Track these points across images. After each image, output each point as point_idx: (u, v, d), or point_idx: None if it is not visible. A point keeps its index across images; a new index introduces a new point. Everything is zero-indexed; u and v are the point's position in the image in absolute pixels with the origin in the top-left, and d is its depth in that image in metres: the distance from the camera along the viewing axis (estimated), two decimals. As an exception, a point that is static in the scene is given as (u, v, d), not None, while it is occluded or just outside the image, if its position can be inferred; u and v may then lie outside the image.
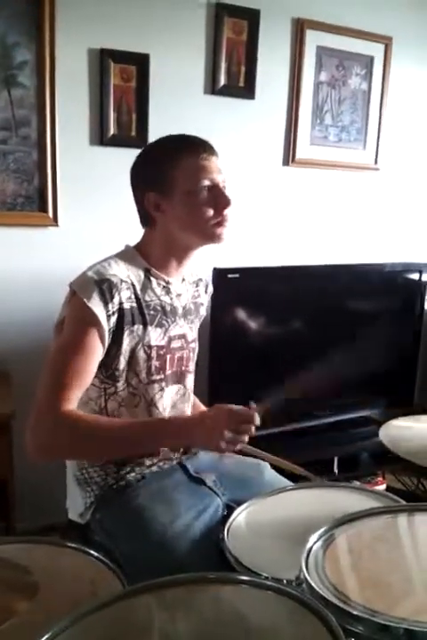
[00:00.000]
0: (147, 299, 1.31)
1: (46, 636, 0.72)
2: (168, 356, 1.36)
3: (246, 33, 2.33)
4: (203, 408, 1.61)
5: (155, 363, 1.32)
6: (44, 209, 2.12)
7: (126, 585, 0.89)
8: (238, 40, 2.33)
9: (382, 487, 2.44)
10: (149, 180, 1.31)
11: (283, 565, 0.96)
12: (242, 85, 2.38)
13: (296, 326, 2.36)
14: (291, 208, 2.59)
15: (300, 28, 2.42)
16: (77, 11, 2.05)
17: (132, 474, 1.33)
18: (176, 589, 0.82)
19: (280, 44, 2.43)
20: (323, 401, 2.46)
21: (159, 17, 2.19)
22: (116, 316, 1.23)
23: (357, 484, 1.49)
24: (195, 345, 1.48)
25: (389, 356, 2.62)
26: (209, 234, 1.30)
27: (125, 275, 1.27)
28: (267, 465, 1.48)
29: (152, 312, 1.31)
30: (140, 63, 2.17)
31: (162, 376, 1.35)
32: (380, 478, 2.50)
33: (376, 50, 2.60)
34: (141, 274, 1.32)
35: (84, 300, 1.19)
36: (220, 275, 2.04)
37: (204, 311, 1.56)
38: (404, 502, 1.13)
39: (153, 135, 1.73)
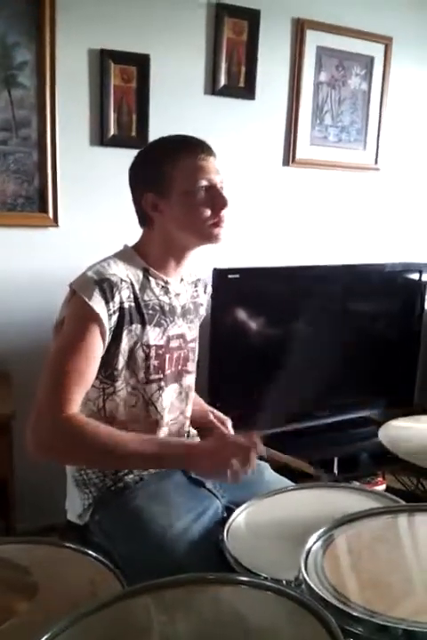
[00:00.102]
0: (145, 298, 1.31)
1: (46, 637, 0.72)
2: (167, 356, 1.36)
3: (247, 33, 2.33)
4: (206, 407, 1.62)
5: (153, 362, 1.32)
6: (44, 209, 2.12)
7: (126, 586, 0.89)
8: (239, 40, 2.33)
9: (382, 487, 2.44)
10: (147, 181, 1.31)
11: (282, 566, 0.96)
12: (242, 86, 2.38)
13: (296, 326, 2.36)
14: (291, 208, 2.59)
15: (300, 28, 2.42)
16: (77, 11, 2.05)
17: (131, 475, 1.32)
18: (176, 590, 0.82)
19: (280, 45, 2.43)
20: (323, 401, 2.46)
21: (159, 17, 2.19)
22: (116, 315, 1.23)
23: (356, 484, 1.49)
24: (194, 345, 1.48)
25: (389, 357, 2.62)
26: (206, 234, 1.31)
27: (125, 274, 1.27)
28: (267, 465, 1.47)
29: (151, 311, 1.31)
30: (140, 64, 2.17)
31: (161, 376, 1.34)
32: (380, 479, 2.50)
33: (376, 50, 2.60)
34: (140, 274, 1.32)
35: (85, 298, 1.19)
36: (220, 275, 2.04)
37: (203, 311, 1.56)
38: (404, 502, 1.13)
39: (153, 135, 1.72)
